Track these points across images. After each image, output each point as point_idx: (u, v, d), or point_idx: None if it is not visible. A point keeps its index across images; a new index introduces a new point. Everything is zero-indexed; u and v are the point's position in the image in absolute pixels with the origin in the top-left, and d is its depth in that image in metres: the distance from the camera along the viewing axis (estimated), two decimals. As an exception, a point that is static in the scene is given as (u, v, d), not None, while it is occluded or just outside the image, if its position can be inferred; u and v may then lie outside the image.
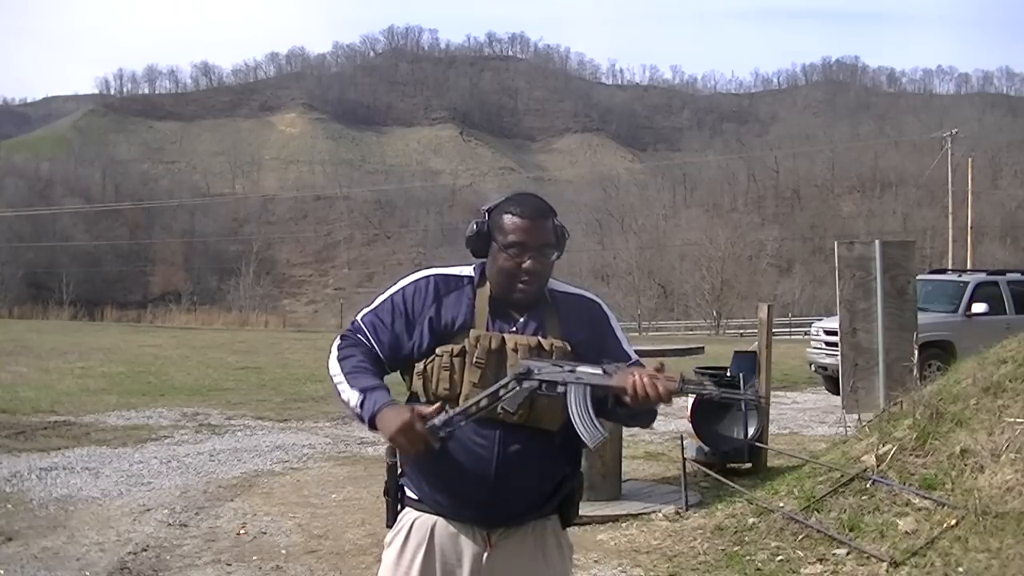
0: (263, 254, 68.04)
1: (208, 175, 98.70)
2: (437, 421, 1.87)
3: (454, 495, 1.98)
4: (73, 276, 54.99)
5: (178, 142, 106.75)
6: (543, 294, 2.08)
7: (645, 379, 1.79)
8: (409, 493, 2.06)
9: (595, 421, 1.89)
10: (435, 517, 2.02)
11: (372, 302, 2.11)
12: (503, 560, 2.00)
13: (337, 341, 2.06)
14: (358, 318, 2.09)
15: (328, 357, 2.06)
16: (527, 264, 2.00)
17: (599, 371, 1.87)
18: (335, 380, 2.00)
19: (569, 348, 2.01)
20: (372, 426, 1.92)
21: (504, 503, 1.97)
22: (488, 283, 2.06)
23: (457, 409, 1.90)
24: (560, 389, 1.89)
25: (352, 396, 1.95)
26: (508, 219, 2.02)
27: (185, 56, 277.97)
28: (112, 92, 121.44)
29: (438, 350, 1.99)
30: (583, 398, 1.89)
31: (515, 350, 1.96)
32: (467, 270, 2.10)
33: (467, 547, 2.01)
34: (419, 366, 2.01)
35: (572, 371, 1.88)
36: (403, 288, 2.09)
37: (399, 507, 2.08)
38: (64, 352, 17.33)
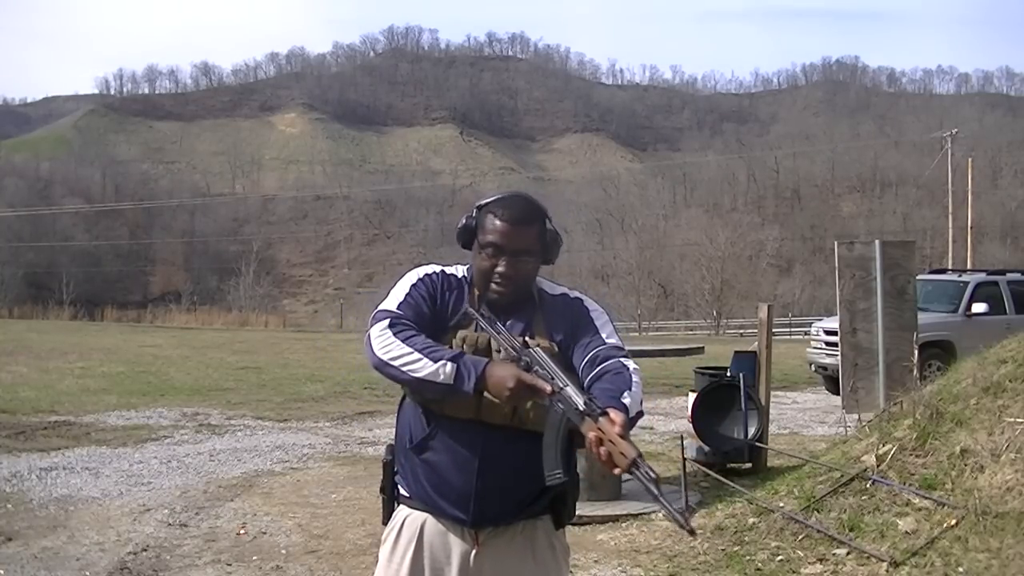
0: (263, 254, 67.97)
1: (208, 175, 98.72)
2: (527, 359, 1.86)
3: (441, 493, 1.99)
4: (73, 276, 54.92)
5: (178, 142, 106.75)
6: (531, 295, 2.09)
7: (603, 447, 1.74)
8: (402, 491, 2.08)
9: (558, 458, 1.84)
10: (425, 514, 2.03)
11: (392, 295, 2.07)
12: (491, 559, 2.00)
13: (383, 326, 1.96)
14: (391, 307, 2.01)
15: (374, 344, 1.94)
16: (500, 267, 2.02)
17: (580, 403, 1.79)
18: (403, 361, 1.89)
19: (556, 349, 2.01)
20: (476, 389, 1.85)
21: (489, 503, 1.97)
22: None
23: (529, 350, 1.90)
24: (545, 401, 1.84)
25: (439, 368, 1.86)
26: (490, 220, 2.04)
27: (185, 56, 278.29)
28: (112, 92, 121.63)
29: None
30: (559, 425, 1.84)
31: (499, 351, 1.96)
32: (461, 270, 2.13)
33: (455, 545, 2.01)
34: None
35: (561, 389, 1.82)
36: (421, 279, 2.09)
37: (394, 504, 2.10)
38: (64, 352, 17.33)
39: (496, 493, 1.96)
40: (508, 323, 2.04)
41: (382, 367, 1.94)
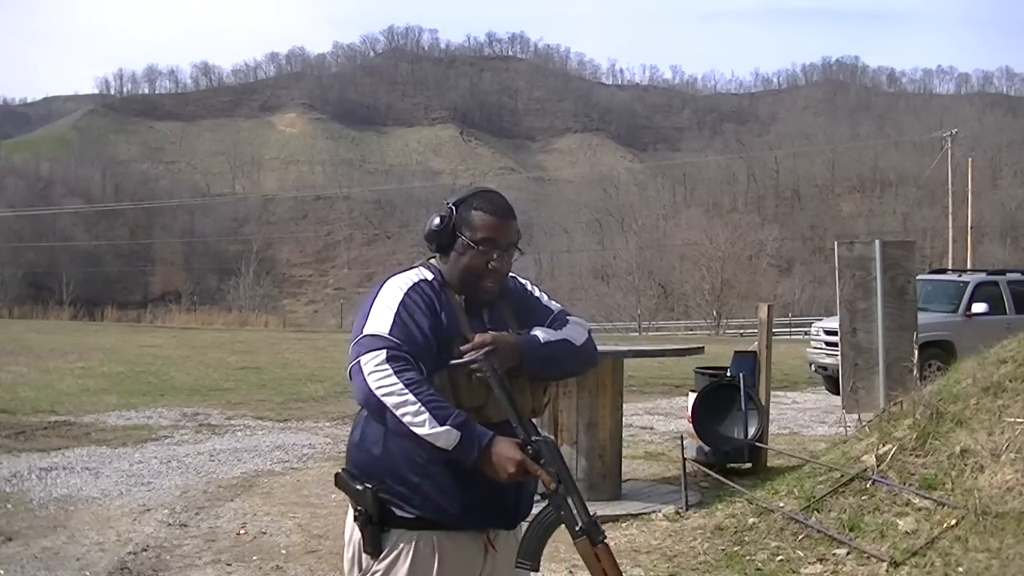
0: (263, 254, 67.99)
1: (208, 175, 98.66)
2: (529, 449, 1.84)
3: (477, 504, 1.92)
4: (73, 276, 54.93)
5: (178, 142, 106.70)
6: None
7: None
8: (402, 513, 1.93)
9: (536, 552, 1.87)
10: (436, 532, 1.94)
11: (376, 314, 1.92)
12: (501, 559, 2.02)
13: (380, 358, 1.81)
14: (382, 331, 1.87)
15: (369, 378, 1.80)
16: (494, 263, 1.99)
17: (580, 521, 1.80)
18: (404, 411, 1.77)
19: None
20: (473, 462, 1.79)
21: (524, 505, 1.99)
22: (449, 282, 2.03)
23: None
24: (542, 488, 1.85)
25: (442, 433, 1.76)
26: (479, 215, 2.00)
27: (185, 56, 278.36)
28: (112, 92, 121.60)
29: (453, 361, 1.93)
30: (547, 523, 1.86)
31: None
32: (427, 273, 2.03)
33: (474, 554, 2.01)
34: (436, 380, 1.89)
35: (566, 496, 1.82)
36: (408, 295, 1.95)
37: (382, 532, 1.94)
38: (64, 352, 17.33)
39: (528, 494, 1.98)
40: (486, 318, 2.03)
41: (373, 406, 1.80)
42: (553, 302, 2.16)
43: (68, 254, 62.95)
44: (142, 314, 44.22)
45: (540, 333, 2.03)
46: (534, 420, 2.07)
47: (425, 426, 1.76)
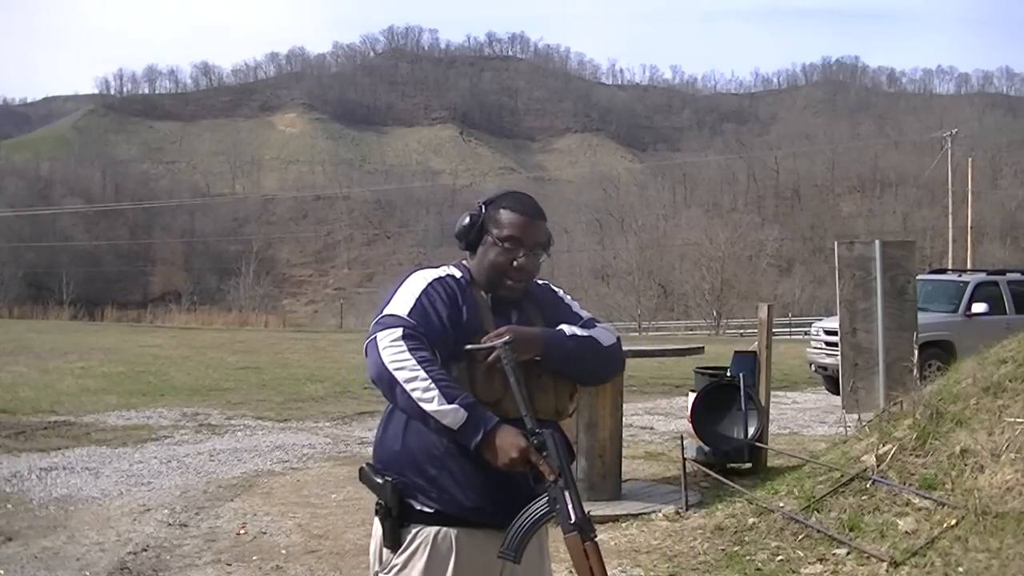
0: (263, 254, 68.00)
1: (208, 175, 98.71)
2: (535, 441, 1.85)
3: (493, 498, 1.93)
4: (73, 276, 54.93)
5: (178, 142, 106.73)
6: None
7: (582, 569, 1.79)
8: (422, 508, 1.96)
9: (521, 544, 1.87)
10: (456, 528, 1.95)
11: (398, 298, 1.97)
12: (523, 560, 2.00)
13: (396, 335, 1.86)
14: (401, 313, 1.91)
15: (383, 353, 1.84)
16: (520, 261, 2.02)
17: (574, 516, 1.80)
18: (414, 386, 1.80)
19: None
20: (476, 445, 1.81)
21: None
22: (477, 281, 2.07)
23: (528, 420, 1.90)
24: (543, 485, 1.86)
25: (450, 411, 1.79)
26: (506, 214, 2.04)
27: (185, 56, 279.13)
28: (112, 92, 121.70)
29: (468, 347, 1.95)
30: (541, 515, 1.87)
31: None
32: (455, 271, 2.08)
33: (492, 551, 1.98)
34: (455, 371, 1.92)
35: (563, 489, 1.83)
36: (431, 285, 1.99)
37: (401, 526, 1.97)
38: (64, 352, 17.32)
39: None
40: (515, 319, 2.05)
41: (384, 380, 1.84)
42: (584, 310, 2.18)
43: (68, 254, 62.93)
44: (142, 314, 44.22)
45: (566, 328, 2.05)
46: (561, 424, 2.07)
47: (433, 402, 1.79)
